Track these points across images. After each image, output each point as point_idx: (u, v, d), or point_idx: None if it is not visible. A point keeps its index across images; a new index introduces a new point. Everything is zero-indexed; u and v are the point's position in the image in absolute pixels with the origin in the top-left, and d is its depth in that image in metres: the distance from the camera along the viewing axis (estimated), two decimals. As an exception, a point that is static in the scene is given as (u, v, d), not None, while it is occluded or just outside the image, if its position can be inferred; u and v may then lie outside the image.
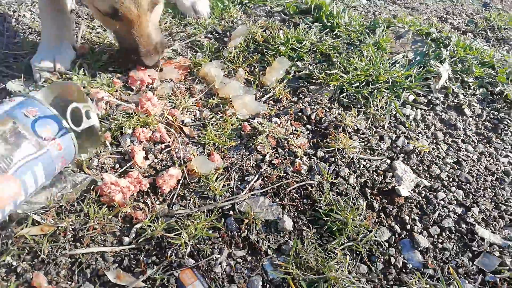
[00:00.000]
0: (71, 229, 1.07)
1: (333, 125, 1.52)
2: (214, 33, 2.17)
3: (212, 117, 1.54)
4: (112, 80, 1.66)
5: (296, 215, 1.19)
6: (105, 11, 1.46)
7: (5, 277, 0.96)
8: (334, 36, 2.15)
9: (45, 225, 1.06)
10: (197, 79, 1.77)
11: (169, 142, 1.41)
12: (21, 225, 1.06)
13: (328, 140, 1.46)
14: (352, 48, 2.04)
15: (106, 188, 1.14)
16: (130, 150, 1.33)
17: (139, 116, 1.47)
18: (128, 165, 1.28)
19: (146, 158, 1.35)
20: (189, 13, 2.25)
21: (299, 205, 1.21)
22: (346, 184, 1.28)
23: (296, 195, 1.24)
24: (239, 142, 1.44)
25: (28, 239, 1.03)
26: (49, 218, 1.08)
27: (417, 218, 1.21)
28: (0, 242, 1.02)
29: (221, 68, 1.83)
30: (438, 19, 2.69)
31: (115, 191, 1.14)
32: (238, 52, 1.94)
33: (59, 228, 1.07)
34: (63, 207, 1.12)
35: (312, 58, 1.95)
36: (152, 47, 1.60)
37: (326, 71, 1.81)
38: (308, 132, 1.52)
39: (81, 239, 1.06)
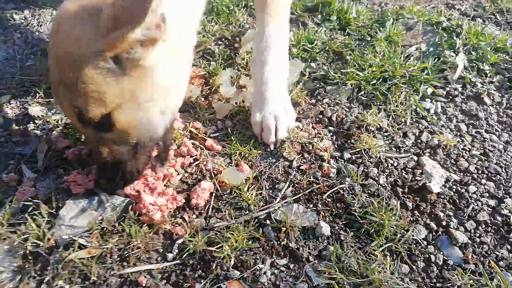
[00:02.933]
0: (116, 249, 1.10)
1: (355, 125, 1.54)
2: (223, 39, 2.19)
3: (235, 126, 1.56)
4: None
5: (331, 219, 1.21)
6: None
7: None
8: (344, 34, 2.16)
9: (92, 247, 1.09)
10: (214, 88, 1.78)
11: (196, 155, 1.43)
12: (68, 249, 1.09)
13: (352, 141, 1.48)
14: (363, 44, 2.05)
15: (145, 209, 1.16)
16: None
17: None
18: (163, 183, 1.30)
19: (177, 173, 1.37)
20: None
21: (333, 209, 1.23)
22: (377, 185, 1.30)
23: (329, 200, 1.26)
24: (264, 149, 1.46)
25: (77, 263, 1.05)
26: (94, 241, 1.11)
27: (451, 213, 1.23)
28: (51, 267, 1.05)
29: (235, 75, 1.84)
30: (445, 6, 2.69)
31: (154, 210, 1.17)
32: (250, 58, 1.96)
33: (105, 249, 1.09)
34: (105, 229, 1.15)
35: (325, 58, 1.96)
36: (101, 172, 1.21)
37: (341, 70, 1.83)
38: (331, 134, 1.54)
39: (127, 259, 1.09)
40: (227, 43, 2.15)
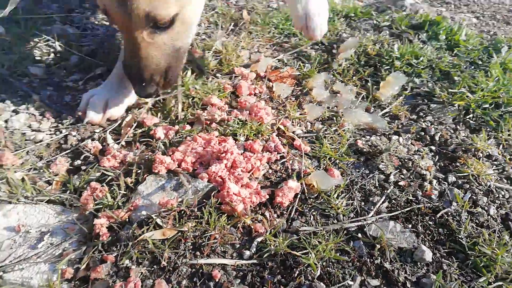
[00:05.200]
0: (191, 236, 1.01)
1: (462, 148, 1.37)
2: (320, 44, 2.09)
3: (326, 130, 1.45)
4: (223, 86, 1.63)
5: (432, 245, 1.05)
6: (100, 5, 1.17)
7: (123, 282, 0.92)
8: (452, 54, 2.00)
9: (167, 229, 1.01)
10: (306, 90, 1.69)
11: (283, 153, 1.33)
12: (142, 227, 1.02)
13: (457, 164, 1.31)
14: (473, 67, 1.87)
15: (229, 197, 1.08)
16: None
17: (252, 124, 1.41)
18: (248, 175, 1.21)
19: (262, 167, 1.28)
20: (298, 25, 1.71)
21: (435, 234, 1.07)
22: (487, 215, 1.13)
23: (431, 223, 1.10)
24: (356, 159, 1.33)
25: (150, 243, 0.98)
26: (170, 222, 1.03)
27: None
28: (120, 243, 0.99)
29: (329, 80, 1.75)
30: None
31: (237, 201, 1.08)
32: (349, 65, 1.85)
33: (180, 234, 1.01)
34: (183, 212, 1.07)
35: (430, 75, 1.81)
36: (149, 75, 1.22)
37: (448, 90, 1.67)
38: (432, 153, 1.38)
39: (201, 248, 1.00)
40: (323, 48, 2.06)
